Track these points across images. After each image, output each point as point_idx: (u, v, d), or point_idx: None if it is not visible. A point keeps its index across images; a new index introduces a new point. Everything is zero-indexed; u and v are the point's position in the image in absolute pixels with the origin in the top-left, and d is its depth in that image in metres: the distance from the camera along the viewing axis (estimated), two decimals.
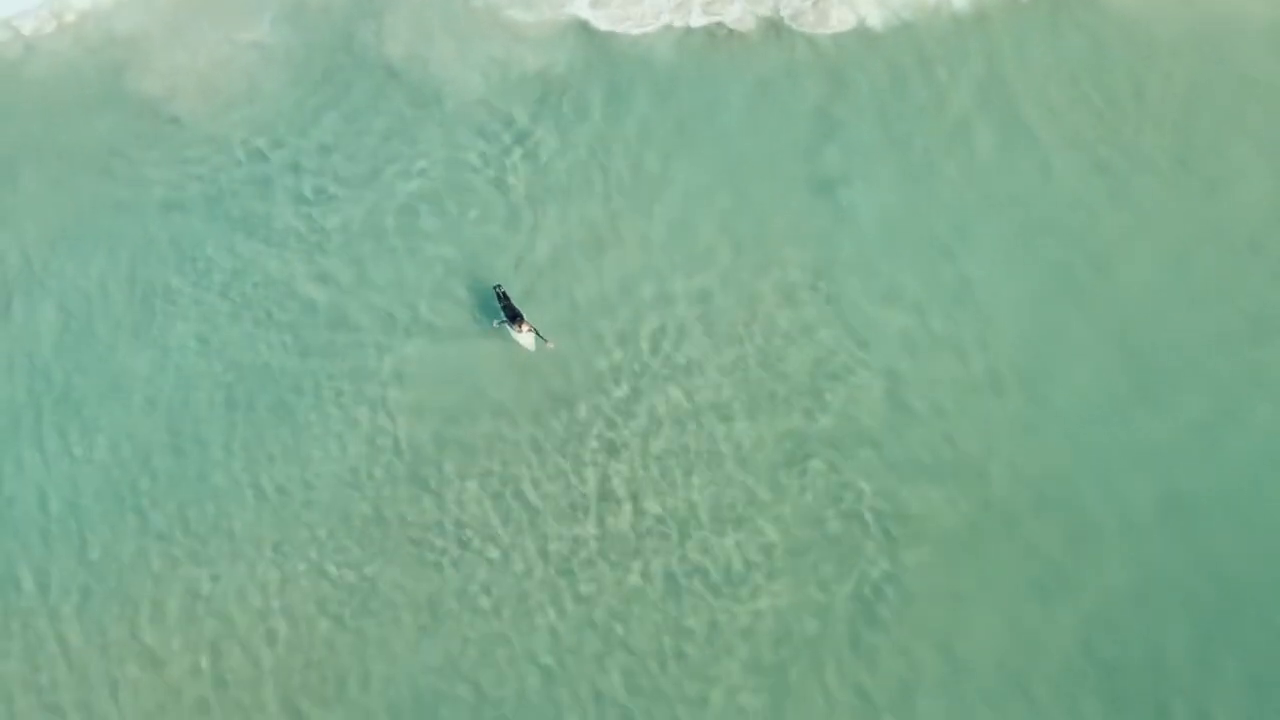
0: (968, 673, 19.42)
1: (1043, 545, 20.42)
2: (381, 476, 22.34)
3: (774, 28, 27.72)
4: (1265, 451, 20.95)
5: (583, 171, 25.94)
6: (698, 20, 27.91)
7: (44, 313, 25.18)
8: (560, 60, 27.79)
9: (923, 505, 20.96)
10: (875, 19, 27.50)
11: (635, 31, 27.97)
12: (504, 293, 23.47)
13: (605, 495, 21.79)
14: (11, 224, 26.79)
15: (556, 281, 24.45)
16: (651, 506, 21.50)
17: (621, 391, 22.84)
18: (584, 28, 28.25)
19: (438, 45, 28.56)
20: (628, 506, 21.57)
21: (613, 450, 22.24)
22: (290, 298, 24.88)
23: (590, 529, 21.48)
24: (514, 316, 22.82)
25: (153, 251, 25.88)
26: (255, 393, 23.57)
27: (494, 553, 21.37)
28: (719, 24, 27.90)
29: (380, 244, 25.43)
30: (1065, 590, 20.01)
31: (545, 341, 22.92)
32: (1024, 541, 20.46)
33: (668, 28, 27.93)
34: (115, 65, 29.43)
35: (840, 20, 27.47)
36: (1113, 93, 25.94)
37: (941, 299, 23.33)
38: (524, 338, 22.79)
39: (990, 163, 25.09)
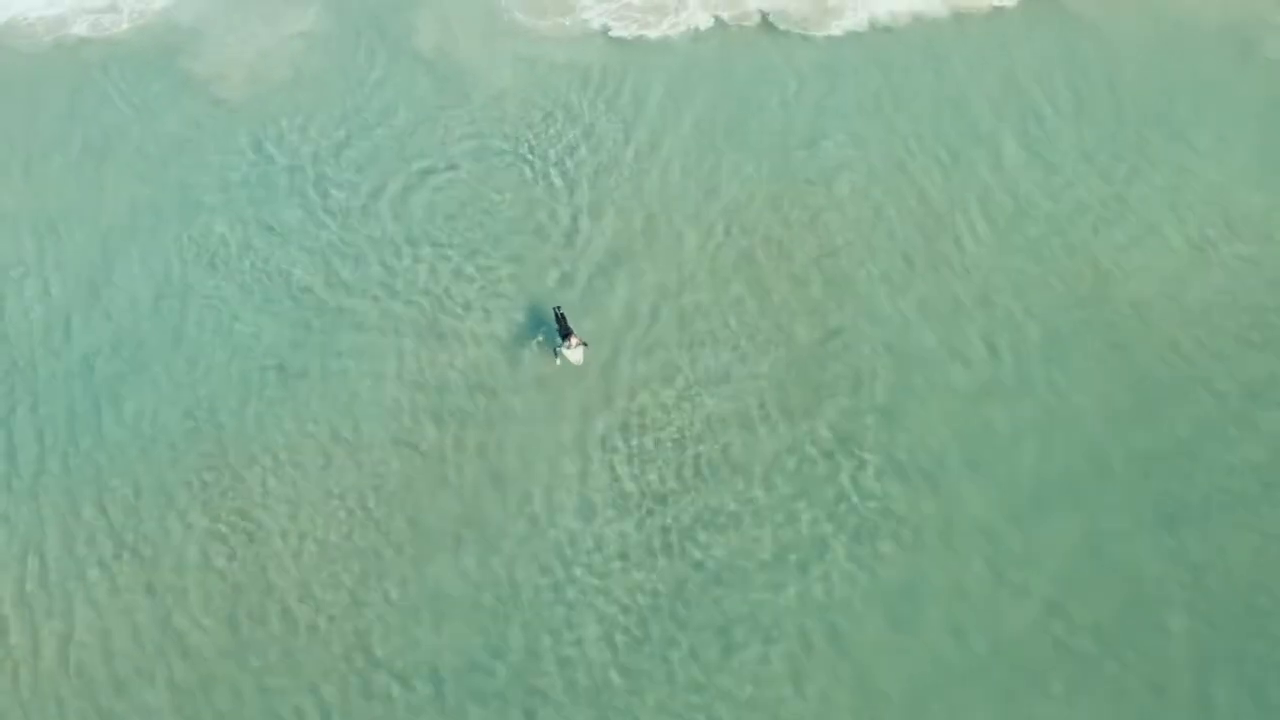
0: None
1: None
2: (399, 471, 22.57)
3: (771, 29, 30.55)
4: None
5: (608, 159, 27.60)
6: (704, 22, 30.85)
7: (77, 285, 26.30)
8: (579, 58, 30.21)
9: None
10: (862, 23, 30.36)
11: (653, 35, 30.67)
12: (563, 314, 23.59)
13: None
14: (59, 189, 28.70)
15: (591, 264, 25.41)
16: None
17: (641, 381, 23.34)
18: (599, 29, 30.88)
19: (464, 42, 31.08)
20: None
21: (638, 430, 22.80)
22: (312, 292, 25.52)
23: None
24: (565, 334, 22.94)
25: (179, 240, 26.92)
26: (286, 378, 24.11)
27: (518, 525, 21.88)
28: (723, 25, 30.79)
29: (410, 233, 26.53)
30: None
31: (585, 345, 23.11)
32: None
33: (683, 29, 30.76)
34: (175, 54, 31.97)
35: (837, 23, 30.46)
36: (1081, 87, 28.32)
37: (932, 272, 24.69)
38: (573, 353, 23.19)
39: (971, 149, 27.14)
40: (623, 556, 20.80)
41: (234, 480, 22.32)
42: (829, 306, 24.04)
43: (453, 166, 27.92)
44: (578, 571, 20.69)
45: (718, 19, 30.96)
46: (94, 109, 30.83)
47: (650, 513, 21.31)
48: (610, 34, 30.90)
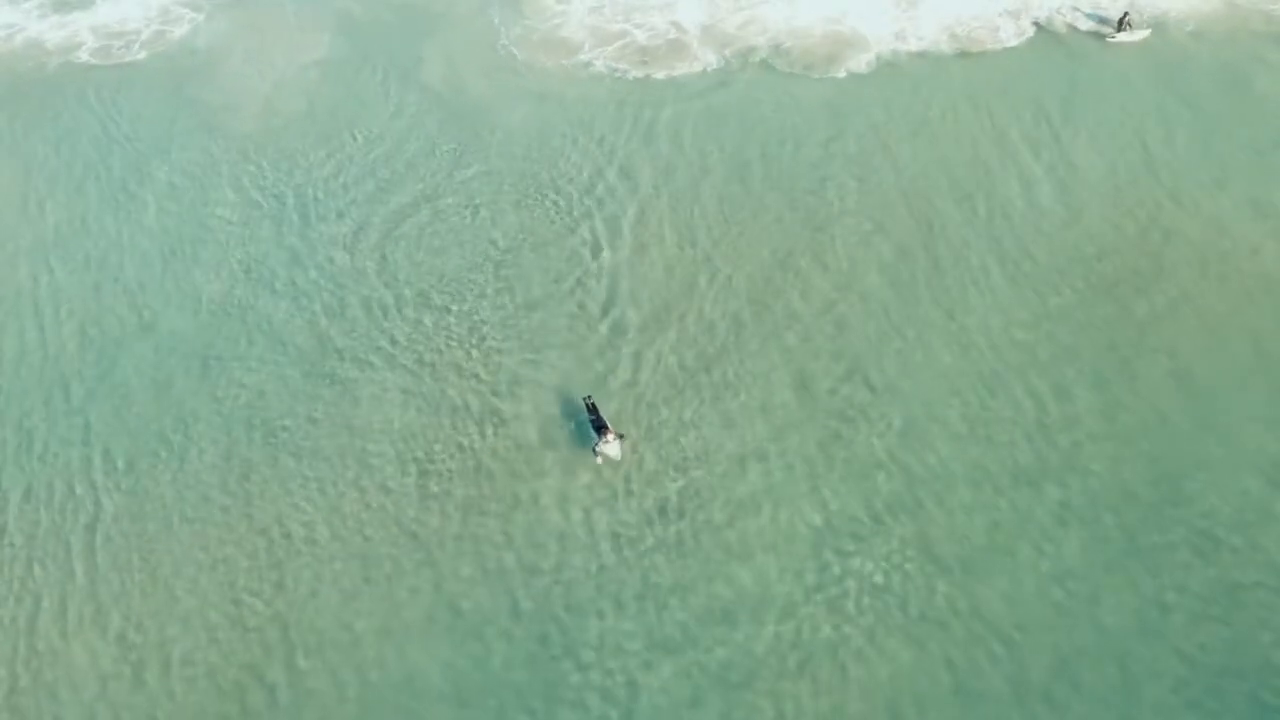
0: None
1: None
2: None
3: (776, 69, 30.99)
4: None
5: (623, 200, 27.44)
6: (709, 63, 31.38)
7: (68, 323, 25.83)
8: (588, 97, 30.50)
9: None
10: (871, 62, 30.73)
11: (659, 76, 31.11)
12: (593, 404, 22.14)
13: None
14: (50, 222, 28.52)
15: (619, 302, 24.90)
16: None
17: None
18: (604, 70, 31.36)
19: (472, 80, 31.51)
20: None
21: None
22: (307, 350, 24.34)
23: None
24: (600, 427, 21.45)
25: (171, 283, 26.42)
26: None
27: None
28: (728, 66, 31.26)
29: (420, 281, 25.78)
30: None
31: (622, 437, 21.50)
32: None
33: (689, 70, 31.34)
34: (186, 82, 32.47)
35: (842, 64, 30.99)
36: (1085, 123, 28.52)
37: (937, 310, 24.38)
38: (610, 447, 21.18)
39: (972, 171, 27.16)
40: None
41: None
42: (841, 361, 23.28)
43: (470, 205, 27.72)
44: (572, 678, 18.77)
45: (722, 60, 31.39)
46: (91, 139, 30.98)
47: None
48: (616, 75, 31.27)
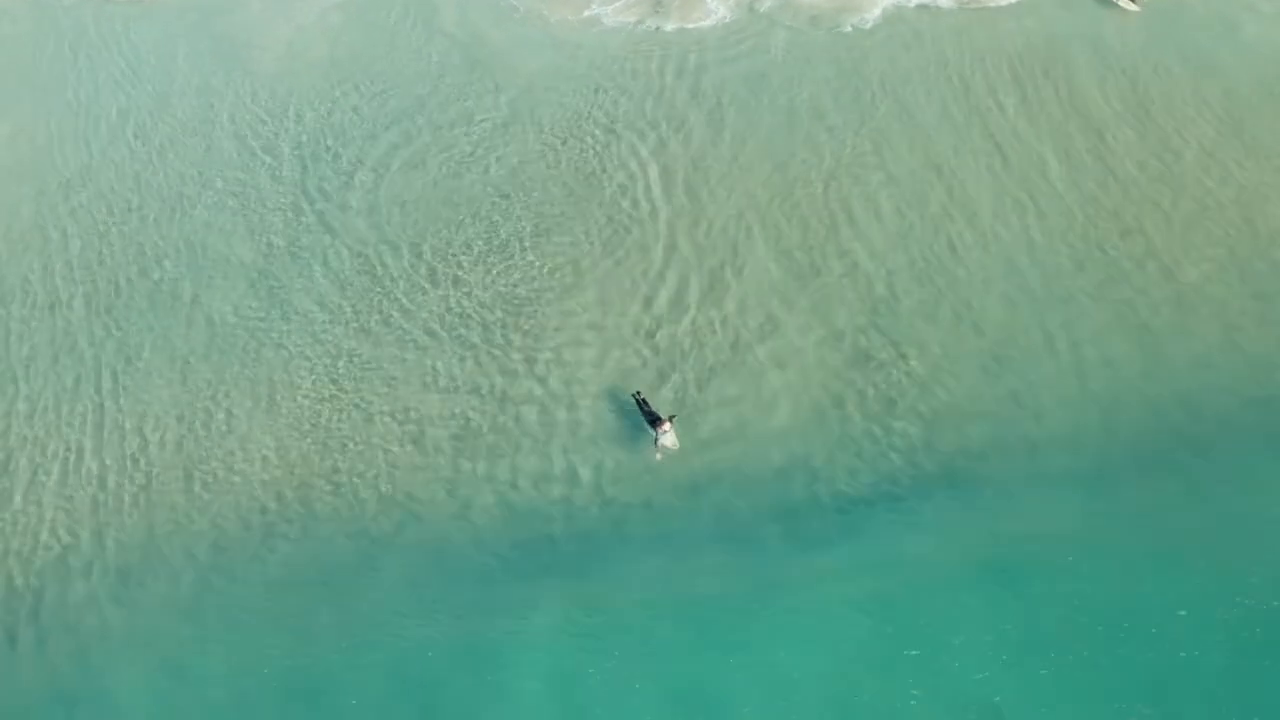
0: None
1: None
2: None
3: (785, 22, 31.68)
4: None
5: (650, 146, 28.53)
6: (720, 16, 32.10)
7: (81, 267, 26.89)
8: (597, 51, 31.04)
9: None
10: (876, 17, 31.50)
11: (669, 28, 31.77)
12: (643, 398, 22.43)
13: None
14: (60, 155, 29.57)
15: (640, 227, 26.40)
16: None
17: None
18: (612, 25, 31.92)
19: (490, 32, 32.13)
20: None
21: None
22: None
23: None
24: (654, 419, 21.76)
25: (180, 236, 27.32)
26: None
27: None
28: (737, 19, 31.97)
29: (451, 242, 26.62)
30: None
31: (673, 418, 22.01)
32: None
33: (699, 23, 32.02)
34: (207, 20, 33.08)
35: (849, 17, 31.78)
36: (1080, 68, 29.80)
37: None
38: (667, 438, 21.55)
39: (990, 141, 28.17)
40: None
41: None
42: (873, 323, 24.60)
43: (496, 157, 28.48)
44: None
45: (731, 13, 31.82)
46: (104, 76, 31.68)
47: None
48: (626, 27, 31.75)
